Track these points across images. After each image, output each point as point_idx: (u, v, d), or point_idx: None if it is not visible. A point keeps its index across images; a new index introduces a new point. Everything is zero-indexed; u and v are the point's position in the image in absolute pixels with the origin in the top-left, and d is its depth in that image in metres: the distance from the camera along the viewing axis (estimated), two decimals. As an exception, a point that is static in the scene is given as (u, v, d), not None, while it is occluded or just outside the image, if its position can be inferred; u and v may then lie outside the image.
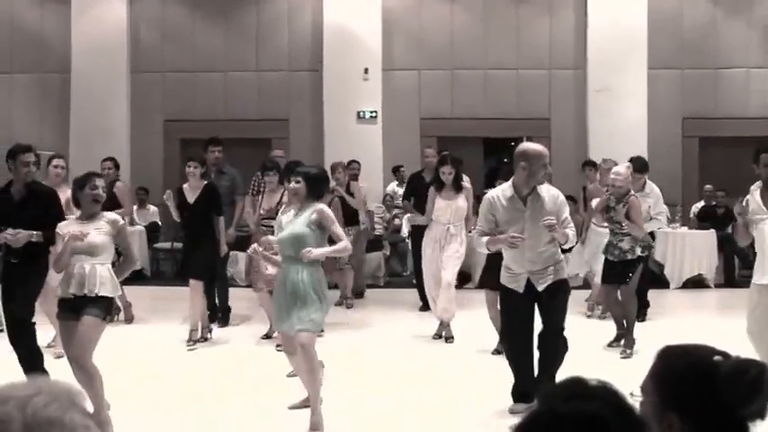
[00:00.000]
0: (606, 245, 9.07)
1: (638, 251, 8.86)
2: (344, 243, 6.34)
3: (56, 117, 16.18)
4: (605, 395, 1.74)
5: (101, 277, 6.06)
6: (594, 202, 10.18)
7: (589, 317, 10.45)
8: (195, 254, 9.28)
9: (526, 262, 6.48)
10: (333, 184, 10.73)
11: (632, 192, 9.02)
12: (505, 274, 6.68)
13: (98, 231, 6.11)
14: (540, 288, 6.50)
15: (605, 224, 9.16)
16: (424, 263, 9.72)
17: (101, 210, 6.29)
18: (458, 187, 9.42)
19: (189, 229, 9.58)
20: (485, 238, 6.55)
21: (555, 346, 6.54)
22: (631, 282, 8.86)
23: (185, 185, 9.56)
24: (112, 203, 9.68)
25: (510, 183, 6.56)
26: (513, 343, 6.82)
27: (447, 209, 9.35)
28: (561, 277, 6.62)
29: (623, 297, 8.97)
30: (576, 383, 1.77)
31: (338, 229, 6.36)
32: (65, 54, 15.94)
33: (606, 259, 9.06)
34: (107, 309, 6.21)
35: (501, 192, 6.56)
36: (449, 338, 9.29)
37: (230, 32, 16.15)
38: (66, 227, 6.19)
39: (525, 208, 6.43)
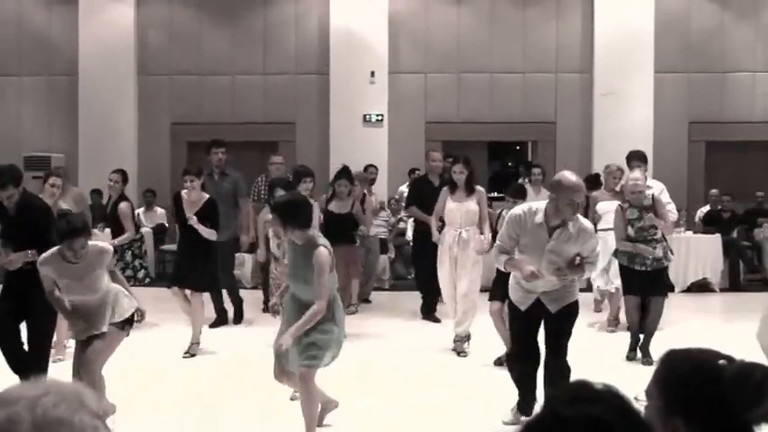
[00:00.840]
0: (632, 255, 8.68)
1: (670, 256, 8.78)
2: (317, 307, 5.67)
3: (64, 119, 16.22)
4: (610, 398, 1.74)
5: (105, 316, 6.07)
6: (600, 206, 10.13)
7: (612, 332, 10.17)
8: (196, 267, 9.06)
9: (538, 286, 6.15)
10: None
11: (647, 192, 8.89)
12: (515, 290, 6.35)
13: (86, 269, 6.01)
14: (553, 310, 6.20)
15: (632, 236, 8.68)
16: (440, 270, 9.30)
17: (90, 238, 6.16)
18: (470, 190, 9.07)
19: (185, 241, 9.29)
20: (504, 257, 6.17)
21: (562, 370, 6.23)
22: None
23: (184, 193, 9.25)
24: (117, 225, 9.81)
25: (543, 207, 6.07)
26: (518, 357, 6.54)
27: (457, 211, 9.02)
28: (573, 299, 6.28)
29: (659, 306, 8.74)
30: (581, 387, 1.78)
31: (323, 280, 5.68)
32: (72, 57, 15.97)
33: (632, 270, 8.71)
34: (128, 322, 6.24)
35: (530, 213, 6.09)
36: (461, 353, 8.94)
37: (237, 36, 16.17)
38: (49, 262, 6.03)
39: (550, 239, 6.02)
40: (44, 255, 6.07)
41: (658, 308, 8.75)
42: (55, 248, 6.04)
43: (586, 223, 6.18)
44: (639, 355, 8.67)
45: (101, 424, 1.47)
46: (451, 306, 9.24)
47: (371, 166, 13.54)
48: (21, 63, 16.37)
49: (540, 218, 5.99)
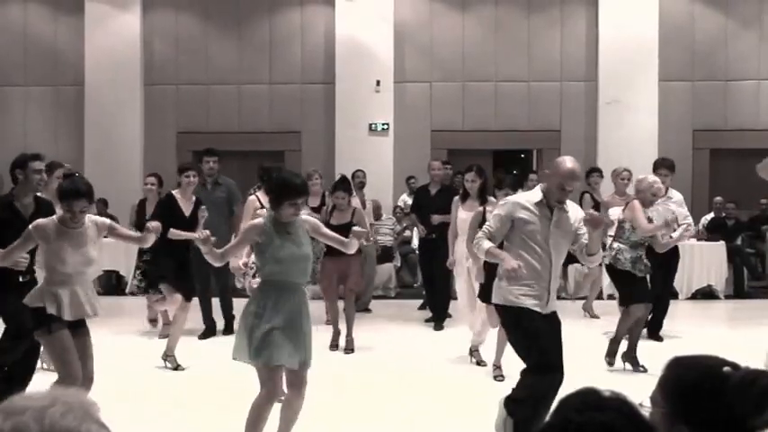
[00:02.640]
0: (633, 260, 8.48)
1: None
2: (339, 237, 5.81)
3: (70, 129, 16.26)
4: (619, 406, 1.76)
5: (92, 297, 5.92)
6: (612, 211, 10.10)
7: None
8: (186, 272, 8.98)
9: (552, 279, 5.68)
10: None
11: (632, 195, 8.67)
12: (518, 291, 5.62)
13: (86, 238, 5.79)
14: (546, 312, 5.71)
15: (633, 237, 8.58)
16: (457, 281, 9.29)
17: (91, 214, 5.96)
18: (483, 200, 8.84)
19: (182, 242, 8.95)
20: (487, 244, 5.66)
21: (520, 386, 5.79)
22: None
23: (176, 193, 9.20)
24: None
25: (539, 188, 5.79)
26: (548, 369, 5.56)
27: (468, 221, 8.63)
28: (555, 308, 5.81)
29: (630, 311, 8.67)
30: (590, 394, 1.80)
31: (326, 229, 5.82)
32: (78, 67, 16.03)
33: (633, 276, 8.47)
34: None
35: (526, 196, 5.82)
36: (480, 362, 8.70)
37: (243, 45, 16.22)
38: (48, 228, 5.73)
39: (552, 216, 5.67)
40: (42, 219, 5.83)
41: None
42: (54, 216, 5.87)
43: (576, 206, 6.01)
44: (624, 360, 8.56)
45: (107, 433, 1.47)
46: (469, 317, 8.93)
47: (358, 170, 13.24)
48: (27, 73, 16.42)
49: (539, 196, 5.70)
